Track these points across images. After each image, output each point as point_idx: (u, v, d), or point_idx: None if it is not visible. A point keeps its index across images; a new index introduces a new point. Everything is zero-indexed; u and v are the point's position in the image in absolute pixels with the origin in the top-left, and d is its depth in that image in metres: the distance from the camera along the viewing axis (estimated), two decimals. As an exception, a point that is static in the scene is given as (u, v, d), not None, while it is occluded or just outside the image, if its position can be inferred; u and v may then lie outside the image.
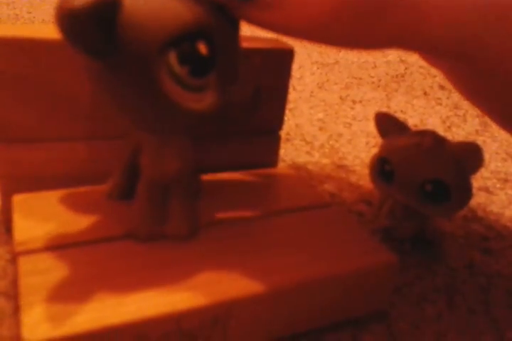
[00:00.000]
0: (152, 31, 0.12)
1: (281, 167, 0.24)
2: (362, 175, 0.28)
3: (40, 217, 0.17)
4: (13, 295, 0.17)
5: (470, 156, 0.19)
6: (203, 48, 0.13)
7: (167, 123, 0.14)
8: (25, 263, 0.15)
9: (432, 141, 0.20)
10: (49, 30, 0.18)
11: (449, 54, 0.15)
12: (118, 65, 0.13)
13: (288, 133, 0.33)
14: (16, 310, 0.16)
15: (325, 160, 0.30)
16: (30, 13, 0.60)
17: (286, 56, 0.22)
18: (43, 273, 0.14)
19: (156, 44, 0.12)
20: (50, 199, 0.18)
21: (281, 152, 0.29)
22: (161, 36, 0.12)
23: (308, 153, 0.31)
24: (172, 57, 0.13)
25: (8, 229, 0.20)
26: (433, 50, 0.15)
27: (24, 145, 0.19)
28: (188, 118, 0.14)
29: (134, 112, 0.14)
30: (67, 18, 0.11)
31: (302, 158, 0.30)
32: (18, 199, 0.18)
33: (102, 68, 0.13)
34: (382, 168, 0.20)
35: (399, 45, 0.14)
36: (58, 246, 0.16)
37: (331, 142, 0.32)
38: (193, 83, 0.13)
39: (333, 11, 0.13)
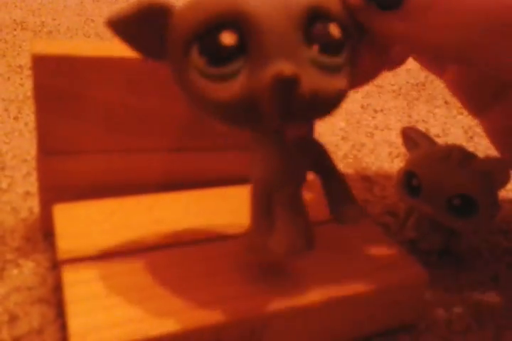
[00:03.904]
0: (179, 30, 0.13)
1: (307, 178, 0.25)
2: (386, 186, 0.28)
3: (82, 226, 0.18)
4: (54, 302, 0.17)
5: (498, 171, 0.20)
6: (229, 38, 0.12)
7: (215, 117, 0.13)
8: (69, 272, 0.16)
9: (461, 155, 0.20)
10: (90, 48, 0.19)
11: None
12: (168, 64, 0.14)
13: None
14: (57, 317, 0.17)
15: (349, 171, 0.30)
16: (55, 20, 0.61)
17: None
18: (87, 281, 0.15)
19: (180, 42, 0.13)
20: (90, 208, 0.19)
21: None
22: (184, 34, 0.13)
23: (331, 162, 0.31)
24: (194, 50, 0.13)
25: (46, 236, 0.21)
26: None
27: (62, 157, 0.20)
28: (218, 110, 0.13)
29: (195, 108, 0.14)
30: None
31: (326, 168, 0.30)
32: (59, 208, 0.19)
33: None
34: (409, 182, 0.21)
35: None
36: (102, 254, 0.16)
37: (353, 152, 0.33)
38: (213, 72, 0.13)
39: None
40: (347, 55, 0.14)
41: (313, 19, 0.13)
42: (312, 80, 0.12)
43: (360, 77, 0.16)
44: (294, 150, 0.15)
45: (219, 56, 0.12)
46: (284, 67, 0.12)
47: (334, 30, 0.13)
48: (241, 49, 0.12)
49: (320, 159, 0.17)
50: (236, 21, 0.12)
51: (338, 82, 0.13)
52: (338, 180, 0.17)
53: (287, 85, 0.12)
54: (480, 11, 0.13)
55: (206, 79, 0.13)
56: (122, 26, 0.13)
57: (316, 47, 0.13)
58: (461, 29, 0.13)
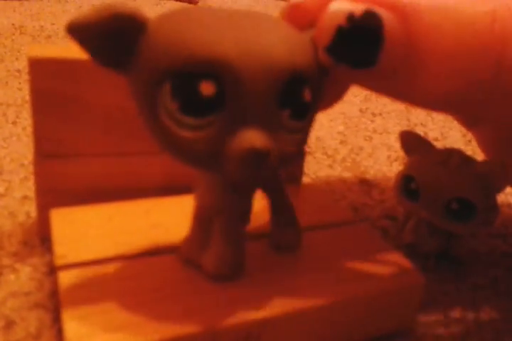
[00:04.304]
0: (155, 57, 0.12)
1: (305, 182, 0.25)
2: (384, 190, 0.28)
3: (80, 230, 0.18)
4: (51, 307, 0.17)
5: (496, 174, 0.19)
6: (208, 88, 0.12)
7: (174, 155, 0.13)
8: (65, 277, 0.15)
9: (459, 159, 0.20)
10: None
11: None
12: (132, 83, 0.13)
13: (309, 147, 0.33)
14: (54, 322, 0.17)
15: (347, 174, 0.30)
16: (54, 24, 0.61)
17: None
18: (83, 287, 0.15)
19: (154, 71, 0.12)
20: (87, 213, 0.19)
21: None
22: (159, 65, 0.12)
23: (330, 166, 0.31)
24: (167, 89, 0.12)
25: (43, 241, 0.20)
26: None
27: (60, 161, 0.20)
28: (176, 151, 0.13)
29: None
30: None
31: (324, 172, 0.30)
32: (56, 213, 0.19)
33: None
34: (407, 186, 0.21)
35: None
36: (98, 259, 0.16)
37: (352, 155, 0.33)
38: (183, 120, 0.12)
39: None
40: (312, 115, 0.13)
41: (291, 83, 0.12)
42: (279, 145, 0.12)
43: (327, 101, 0.16)
44: (240, 182, 0.15)
45: (194, 105, 0.12)
46: (256, 141, 0.12)
47: (307, 94, 0.13)
48: (216, 103, 0.12)
49: (269, 181, 0.17)
50: (219, 75, 0.11)
51: (300, 141, 0.13)
52: (283, 205, 0.18)
53: (257, 159, 0.12)
54: (451, 72, 0.12)
55: (173, 123, 0.12)
56: (84, 33, 0.12)
57: (287, 113, 0.12)
58: (433, 89, 0.13)
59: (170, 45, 0.12)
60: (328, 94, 0.15)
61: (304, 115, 0.13)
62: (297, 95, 0.13)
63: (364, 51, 0.12)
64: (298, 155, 0.14)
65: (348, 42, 0.12)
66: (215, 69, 0.11)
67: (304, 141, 0.14)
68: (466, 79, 0.13)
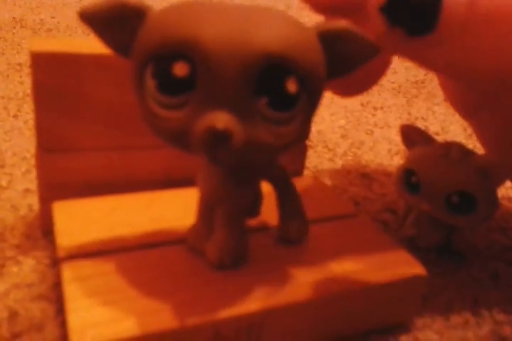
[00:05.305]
0: (143, 42, 0.13)
1: (306, 175, 0.25)
2: (385, 184, 0.28)
3: (82, 223, 0.18)
4: (54, 298, 0.17)
5: (497, 168, 0.20)
6: (182, 69, 0.12)
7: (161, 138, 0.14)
8: (68, 268, 0.16)
9: (459, 152, 0.20)
10: (89, 45, 0.19)
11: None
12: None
13: (310, 140, 0.33)
14: (58, 314, 0.17)
15: (348, 168, 0.30)
16: (54, 18, 0.61)
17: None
18: (86, 278, 0.15)
19: (140, 54, 0.13)
20: (90, 205, 0.19)
21: (305, 159, 0.30)
22: (144, 49, 0.13)
23: (331, 160, 0.31)
24: (149, 70, 0.13)
25: (46, 234, 0.21)
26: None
27: (62, 155, 0.20)
28: (155, 130, 0.13)
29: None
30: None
31: (325, 166, 0.30)
32: (58, 205, 0.19)
33: None
34: (408, 179, 0.21)
35: None
36: (101, 252, 0.16)
37: (353, 149, 0.33)
38: (159, 98, 0.13)
39: None
40: (300, 108, 0.13)
41: (270, 70, 0.12)
42: (251, 133, 0.12)
43: (370, 78, 0.15)
44: (238, 170, 0.15)
45: (168, 85, 0.12)
46: (217, 121, 0.12)
47: (291, 85, 0.12)
48: (190, 83, 0.12)
49: (274, 174, 0.18)
50: (191, 56, 0.12)
51: (285, 134, 0.13)
52: (290, 197, 0.18)
53: (217, 139, 0.12)
54: None
55: (153, 101, 0.13)
56: (94, 20, 0.13)
57: (264, 100, 0.12)
58: (500, 52, 0.12)
59: (154, 30, 0.13)
60: (370, 70, 0.14)
61: (286, 107, 0.13)
62: (277, 84, 0.12)
63: (421, 15, 0.11)
64: (283, 149, 0.13)
65: (404, 3, 0.11)
66: (187, 50, 0.12)
67: (291, 135, 0.13)
68: None
